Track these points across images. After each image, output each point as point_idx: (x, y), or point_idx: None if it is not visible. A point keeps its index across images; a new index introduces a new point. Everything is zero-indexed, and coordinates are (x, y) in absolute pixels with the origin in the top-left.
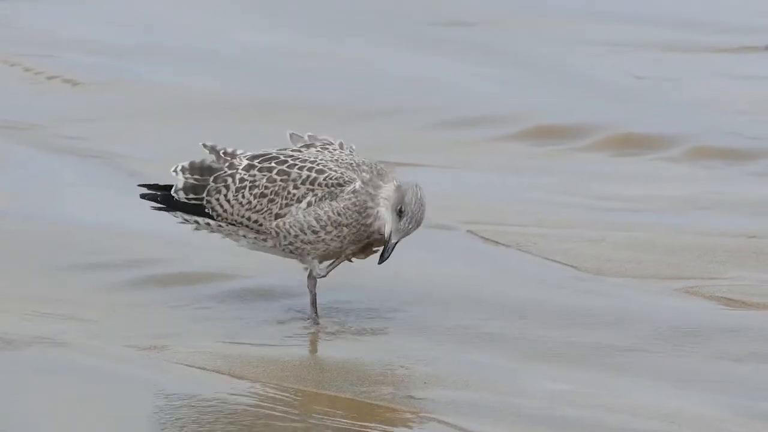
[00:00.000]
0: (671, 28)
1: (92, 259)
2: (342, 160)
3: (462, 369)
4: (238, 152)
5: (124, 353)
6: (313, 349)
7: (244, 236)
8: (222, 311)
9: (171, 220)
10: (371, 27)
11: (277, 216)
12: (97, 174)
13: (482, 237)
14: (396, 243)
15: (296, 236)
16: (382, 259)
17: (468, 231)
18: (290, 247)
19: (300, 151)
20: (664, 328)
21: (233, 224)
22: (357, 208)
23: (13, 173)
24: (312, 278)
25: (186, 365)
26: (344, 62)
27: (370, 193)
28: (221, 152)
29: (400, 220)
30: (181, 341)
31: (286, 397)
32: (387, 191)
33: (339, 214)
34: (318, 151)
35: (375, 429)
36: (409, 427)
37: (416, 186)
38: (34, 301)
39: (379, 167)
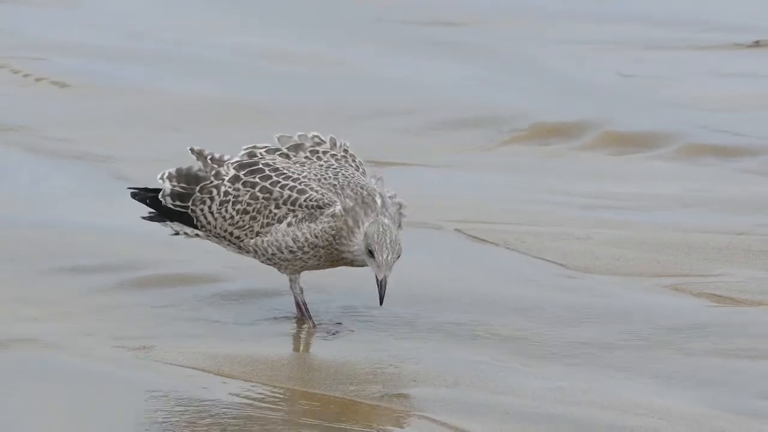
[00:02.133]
0: (654, 26)
1: (79, 262)
2: (326, 178)
3: (451, 367)
4: (225, 158)
5: (113, 354)
6: (302, 349)
7: (228, 247)
8: (210, 312)
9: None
10: (357, 29)
11: (258, 234)
12: (85, 176)
13: (470, 235)
14: (385, 278)
15: (273, 254)
16: (381, 299)
17: (456, 230)
18: (268, 262)
19: (289, 158)
20: (652, 325)
21: (216, 236)
22: (333, 232)
23: (0, 175)
24: (294, 285)
25: (175, 365)
26: (331, 65)
27: (349, 225)
28: (208, 158)
29: (374, 259)
30: (170, 342)
31: (275, 396)
32: (359, 236)
33: (316, 237)
34: (306, 157)
35: (364, 428)
36: (399, 426)
37: (378, 220)
38: (22, 302)
39: (364, 195)
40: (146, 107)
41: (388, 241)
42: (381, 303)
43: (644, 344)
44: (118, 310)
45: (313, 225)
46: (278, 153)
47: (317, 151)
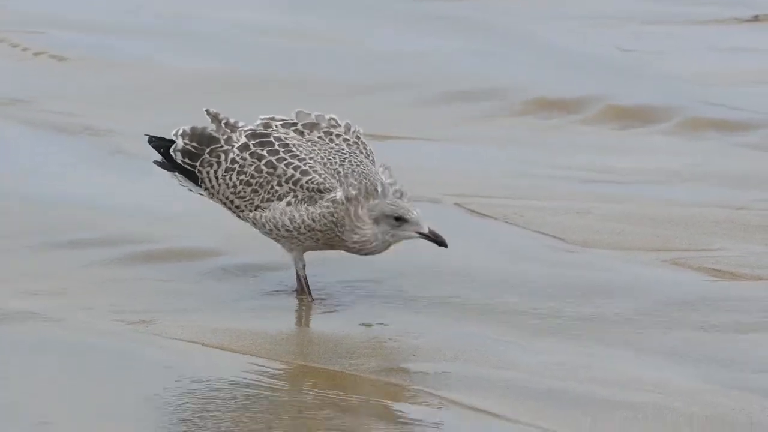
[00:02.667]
0: (653, 1)
1: (78, 236)
2: (332, 164)
3: (451, 342)
4: (240, 125)
5: (112, 328)
6: (302, 323)
7: (230, 212)
8: (210, 287)
9: (158, 196)
10: (356, 4)
11: (257, 207)
12: (84, 151)
13: (469, 210)
14: (429, 228)
15: (270, 230)
16: (444, 243)
17: (455, 204)
18: (268, 235)
19: (302, 135)
20: (651, 299)
21: (219, 201)
22: (333, 219)
23: None
24: (297, 260)
25: (174, 339)
26: (331, 39)
27: (351, 215)
28: (223, 122)
29: (407, 221)
30: (170, 316)
31: (275, 369)
32: (367, 225)
33: (313, 220)
34: (320, 137)
35: (363, 401)
36: (398, 400)
37: (380, 191)
38: (21, 277)
39: (367, 185)
40: (145, 81)
41: (404, 201)
42: (446, 246)
43: (643, 319)
44: (117, 284)
45: (311, 208)
46: (293, 128)
47: (331, 133)
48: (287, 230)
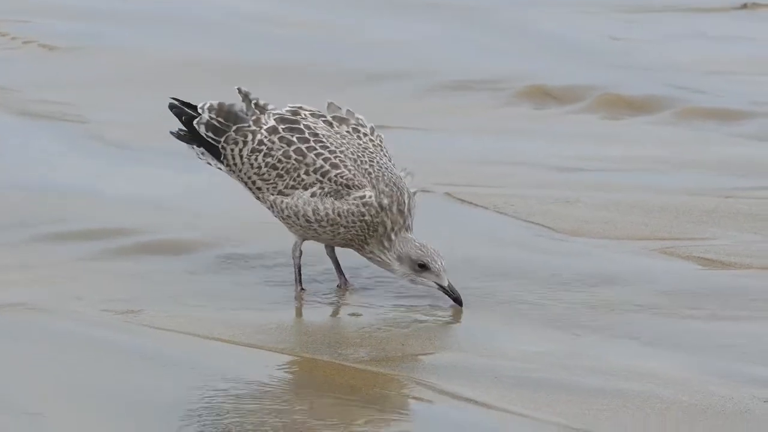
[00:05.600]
0: None
1: (68, 226)
2: (362, 162)
3: (440, 331)
4: (270, 107)
5: (101, 318)
6: (291, 313)
7: (247, 190)
8: (200, 278)
9: (148, 186)
10: None
11: (280, 193)
12: (74, 140)
13: (459, 199)
14: (448, 283)
15: (288, 217)
16: (460, 301)
17: (445, 193)
18: (281, 220)
19: (331, 126)
20: (640, 288)
21: (239, 179)
22: (364, 220)
23: None
24: (296, 248)
25: (163, 329)
26: (323, 28)
27: (385, 225)
28: (253, 102)
29: (429, 271)
30: (158, 306)
31: (264, 359)
32: (392, 254)
33: (339, 215)
34: (348, 132)
35: (353, 390)
36: (387, 389)
37: (405, 237)
38: (9, 266)
39: (398, 195)
40: (136, 69)
41: (431, 249)
42: (462, 304)
43: (633, 308)
44: (106, 274)
45: (338, 203)
46: (323, 119)
47: (359, 130)
48: (307, 221)
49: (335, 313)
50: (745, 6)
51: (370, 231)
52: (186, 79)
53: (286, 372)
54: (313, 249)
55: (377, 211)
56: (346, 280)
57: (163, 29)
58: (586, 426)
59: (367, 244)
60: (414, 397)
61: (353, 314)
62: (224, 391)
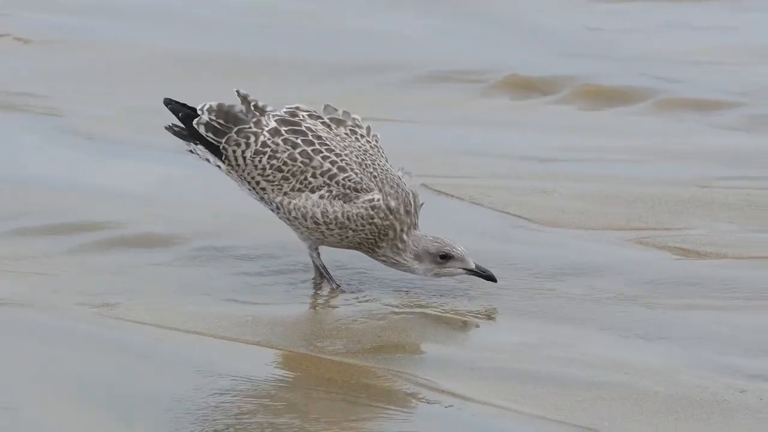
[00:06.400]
0: None
1: (44, 220)
2: (366, 165)
3: (416, 323)
4: (269, 109)
5: (77, 311)
6: (267, 306)
7: (248, 192)
8: (176, 271)
9: (124, 180)
10: None
11: (286, 194)
12: (51, 133)
13: (436, 190)
14: (475, 264)
15: (295, 218)
16: (493, 277)
17: (422, 184)
18: (287, 221)
19: (330, 129)
20: (616, 279)
21: (241, 179)
22: (374, 224)
23: None
24: (312, 249)
25: (138, 322)
26: (311, 19)
27: (395, 228)
28: (252, 104)
29: (454, 258)
30: (135, 299)
31: (240, 352)
32: (408, 254)
33: (348, 219)
34: (346, 134)
35: (329, 383)
36: (363, 382)
37: (417, 235)
38: None
39: (407, 202)
40: (112, 63)
41: (446, 239)
42: (496, 280)
43: (609, 298)
44: (82, 268)
45: (347, 206)
46: (320, 121)
47: (356, 132)
48: (315, 222)
49: (311, 306)
50: None
51: (381, 234)
52: (165, 73)
53: (262, 364)
54: (289, 239)
55: (386, 214)
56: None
57: (140, 22)
58: (562, 417)
59: (379, 247)
60: (390, 390)
61: (329, 306)
62: (200, 383)
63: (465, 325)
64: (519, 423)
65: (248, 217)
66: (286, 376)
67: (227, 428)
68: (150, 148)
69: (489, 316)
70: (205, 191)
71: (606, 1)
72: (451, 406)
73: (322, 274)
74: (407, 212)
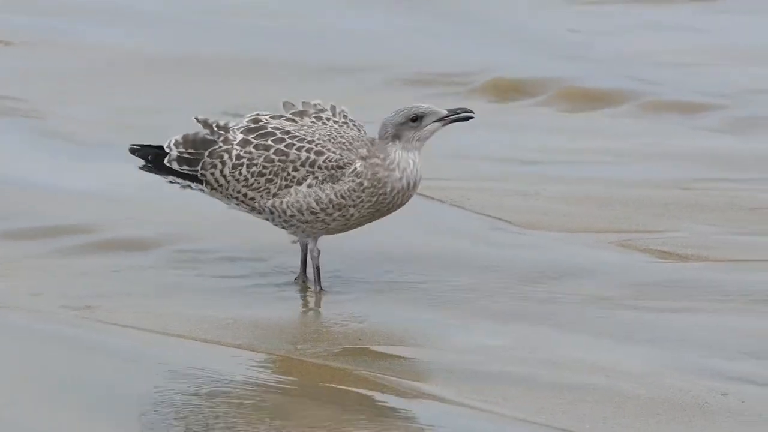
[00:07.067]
0: None
1: (24, 223)
2: (337, 138)
3: (396, 326)
4: (231, 125)
5: (59, 314)
6: (248, 308)
7: (237, 206)
8: (157, 273)
9: (104, 182)
10: None
11: (275, 195)
12: (28, 135)
13: (416, 193)
14: (446, 110)
15: (292, 215)
16: (468, 112)
17: None
18: (284, 224)
19: (294, 122)
20: (598, 281)
21: (227, 197)
22: (368, 185)
23: None
24: (313, 248)
25: (119, 325)
26: (295, 18)
27: (375, 165)
28: (214, 126)
29: (425, 115)
30: (116, 302)
31: (220, 354)
32: (391, 149)
33: (343, 197)
34: (312, 122)
35: (309, 386)
36: (344, 384)
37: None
38: None
39: (367, 136)
40: (89, 65)
41: (402, 106)
42: (472, 112)
43: (590, 301)
44: (63, 271)
45: (337, 186)
46: (284, 118)
47: (321, 117)
48: (312, 212)
49: (292, 308)
50: None
51: (379, 186)
52: (146, 75)
53: (243, 367)
54: (270, 241)
55: (363, 169)
56: (306, 276)
57: (120, 24)
58: (543, 419)
59: (388, 190)
60: (370, 392)
61: (310, 309)
62: (181, 386)
63: (444, 328)
64: (499, 425)
65: (229, 221)
66: (266, 379)
67: (207, 430)
68: (126, 149)
69: (469, 319)
70: (186, 194)
71: (589, 3)
72: (431, 409)
73: (312, 273)
74: (371, 142)
